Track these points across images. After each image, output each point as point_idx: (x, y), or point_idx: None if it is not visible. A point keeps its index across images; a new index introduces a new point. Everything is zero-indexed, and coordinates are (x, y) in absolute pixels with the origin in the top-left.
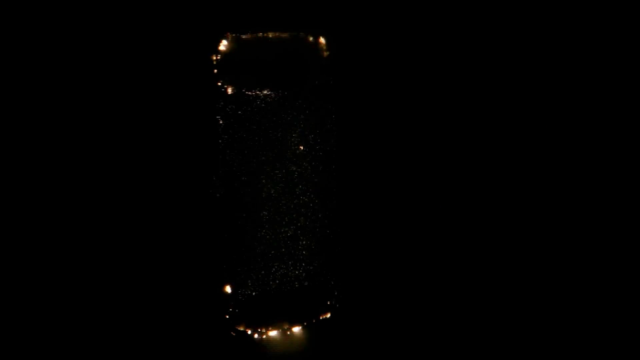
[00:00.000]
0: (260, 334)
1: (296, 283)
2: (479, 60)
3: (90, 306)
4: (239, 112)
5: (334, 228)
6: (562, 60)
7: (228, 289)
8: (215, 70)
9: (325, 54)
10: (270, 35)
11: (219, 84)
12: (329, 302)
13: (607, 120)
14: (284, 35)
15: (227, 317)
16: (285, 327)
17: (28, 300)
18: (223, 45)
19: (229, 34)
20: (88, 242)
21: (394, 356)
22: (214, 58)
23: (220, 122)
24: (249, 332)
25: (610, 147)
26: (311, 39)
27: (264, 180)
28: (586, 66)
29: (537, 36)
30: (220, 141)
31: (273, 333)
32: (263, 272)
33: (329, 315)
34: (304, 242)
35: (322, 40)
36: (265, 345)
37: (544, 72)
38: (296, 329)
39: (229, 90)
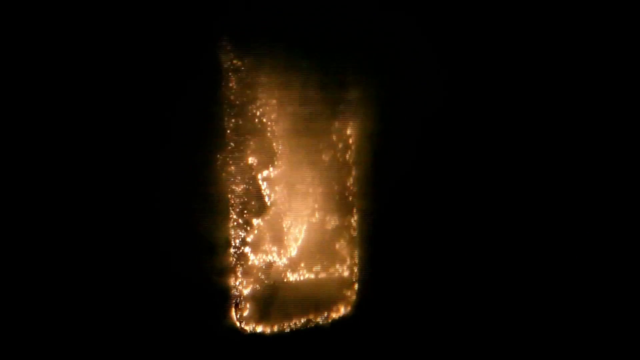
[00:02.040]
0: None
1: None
2: (480, 61)
3: (90, 306)
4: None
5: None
6: (563, 61)
7: (231, 285)
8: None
9: None
10: None
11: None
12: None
13: (607, 120)
14: None
15: (231, 315)
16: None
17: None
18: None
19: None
20: (93, 240)
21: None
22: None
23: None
24: (256, 330)
25: (610, 147)
26: None
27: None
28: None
29: (536, 37)
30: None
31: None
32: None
33: (340, 314)
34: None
35: None
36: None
37: (546, 73)
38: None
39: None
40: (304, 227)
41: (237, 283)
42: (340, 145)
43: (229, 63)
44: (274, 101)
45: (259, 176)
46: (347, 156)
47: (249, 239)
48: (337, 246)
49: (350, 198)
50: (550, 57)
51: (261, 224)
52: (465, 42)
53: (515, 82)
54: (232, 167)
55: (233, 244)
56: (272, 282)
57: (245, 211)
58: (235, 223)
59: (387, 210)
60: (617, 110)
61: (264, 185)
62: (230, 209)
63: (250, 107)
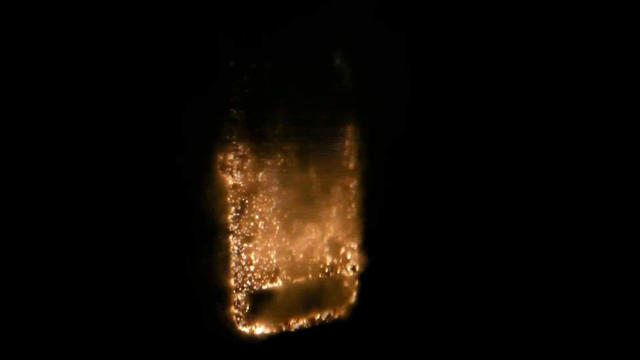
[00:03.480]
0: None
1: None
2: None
3: (88, 307)
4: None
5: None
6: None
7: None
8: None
9: None
10: None
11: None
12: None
13: (607, 120)
14: None
15: (231, 314)
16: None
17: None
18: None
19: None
20: (89, 240)
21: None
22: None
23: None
24: (254, 330)
25: (610, 147)
26: None
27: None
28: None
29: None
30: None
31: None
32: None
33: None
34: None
35: None
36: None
37: (544, 74)
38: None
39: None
40: (305, 227)
41: (236, 283)
42: (342, 147)
43: (232, 64)
44: (277, 102)
45: (260, 177)
46: (349, 157)
47: (248, 240)
48: (337, 246)
49: (352, 199)
50: (545, 58)
51: (261, 224)
52: (458, 50)
53: (511, 83)
54: (233, 167)
55: (232, 245)
56: (271, 283)
57: (245, 212)
58: (234, 223)
59: (388, 211)
60: (610, 108)
61: (264, 186)
62: (230, 209)
63: (251, 108)
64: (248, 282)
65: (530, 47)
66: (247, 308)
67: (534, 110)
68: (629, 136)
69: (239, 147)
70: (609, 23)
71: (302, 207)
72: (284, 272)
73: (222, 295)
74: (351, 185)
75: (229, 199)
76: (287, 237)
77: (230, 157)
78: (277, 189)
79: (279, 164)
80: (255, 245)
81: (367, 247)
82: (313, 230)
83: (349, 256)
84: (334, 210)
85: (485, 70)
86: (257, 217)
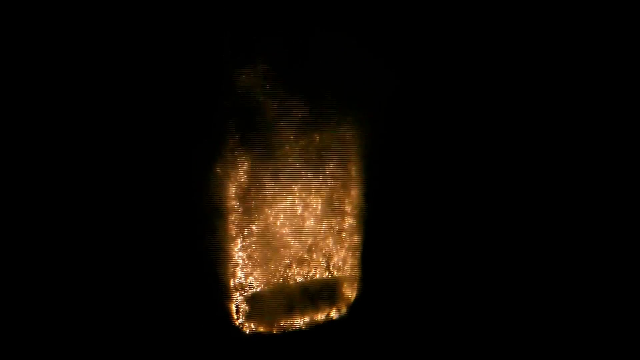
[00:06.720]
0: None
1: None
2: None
3: (89, 308)
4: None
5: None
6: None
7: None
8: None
9: None
10: None
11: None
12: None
13: (606, 120)
14: None
15: (231, 314)
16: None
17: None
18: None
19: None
20: (90, 242)
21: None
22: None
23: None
24: (255, 330)
25: (610, 147)
26: None
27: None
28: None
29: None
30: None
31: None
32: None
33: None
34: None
35: None
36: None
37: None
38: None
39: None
40: (305, 227)
41: (238, 284)
42: (343, 148)
43: (231, 64)
44: (277, 103)
45: (261, 177)
46: (350, 158)
47: (249, 240)
48: (338, 246)
49: (352, 199)
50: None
51: (262, 224)
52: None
53: (505, 85)
54: (234, 167)
55: (233, 245)
56: (272, 283)
57: (246, 211)
58: (235, 224)
59: (388, 212)
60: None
61: (265, 186)
62: (231, 209)
63: (252, 109)
64: (248, 282)
65: (528, 47)
66: (247, 308)
67: (531, 112)
68: (628, 136)
69: (241, 150)
70: (601, 23)
71: (303, 208)
72: (284, 273)
73: (222, 295)
74: (350, 188)
75: (230, 200)
76: (287, 238)
77: (233, 159)
78: (277, 191)
79: (280, 166)
80: (255, 246)
81: (367, 248)
82: (313, 231)
83: (348, 257)
84: (334, 211)
85: (481, 72)
86: (257, 218)
